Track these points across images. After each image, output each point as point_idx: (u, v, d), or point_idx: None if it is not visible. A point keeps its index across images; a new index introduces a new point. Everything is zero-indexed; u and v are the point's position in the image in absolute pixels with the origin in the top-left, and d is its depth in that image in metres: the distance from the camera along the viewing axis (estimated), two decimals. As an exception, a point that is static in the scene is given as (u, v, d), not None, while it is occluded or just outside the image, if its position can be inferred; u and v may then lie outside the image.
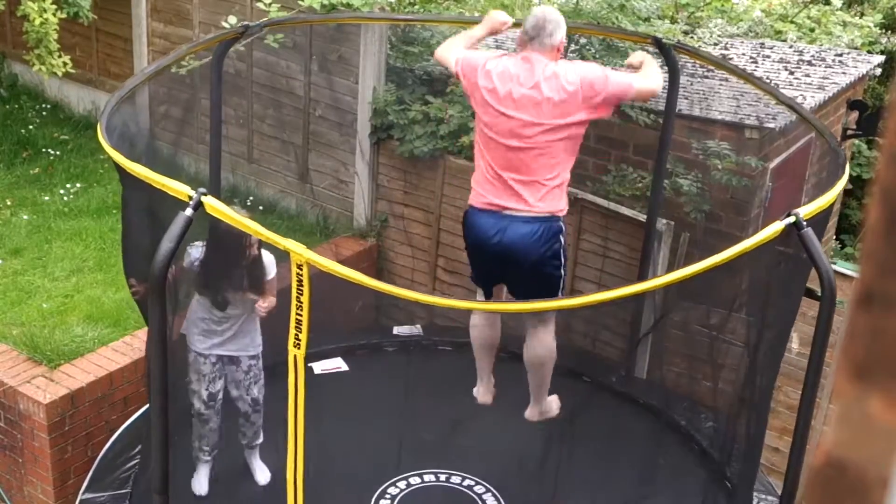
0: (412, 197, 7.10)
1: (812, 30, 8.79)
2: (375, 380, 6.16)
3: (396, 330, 6.80)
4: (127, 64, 8.51)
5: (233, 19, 6.87)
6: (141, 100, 7.85)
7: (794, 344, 5.62)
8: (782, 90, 6.49)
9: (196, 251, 4.71)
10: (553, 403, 5.13)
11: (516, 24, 4.98)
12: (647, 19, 6.66)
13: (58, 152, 8.32)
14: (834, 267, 4.56)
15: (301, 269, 3.56)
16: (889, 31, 9.76)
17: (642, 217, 6.26)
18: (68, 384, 5.58)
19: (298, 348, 3.71)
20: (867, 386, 0.71)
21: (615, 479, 5.45)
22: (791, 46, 8.03)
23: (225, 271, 4.79)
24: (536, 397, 5.10)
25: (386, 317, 7.07)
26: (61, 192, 7.73)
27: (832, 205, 4.36)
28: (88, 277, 6.71)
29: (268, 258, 4.81)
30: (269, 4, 6.71)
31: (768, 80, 6.87)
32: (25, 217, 7.38)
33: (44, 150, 8.33)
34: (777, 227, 3.84)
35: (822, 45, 8.40)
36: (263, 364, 5.03)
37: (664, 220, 6.22)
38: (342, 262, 6.48)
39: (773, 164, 6.54)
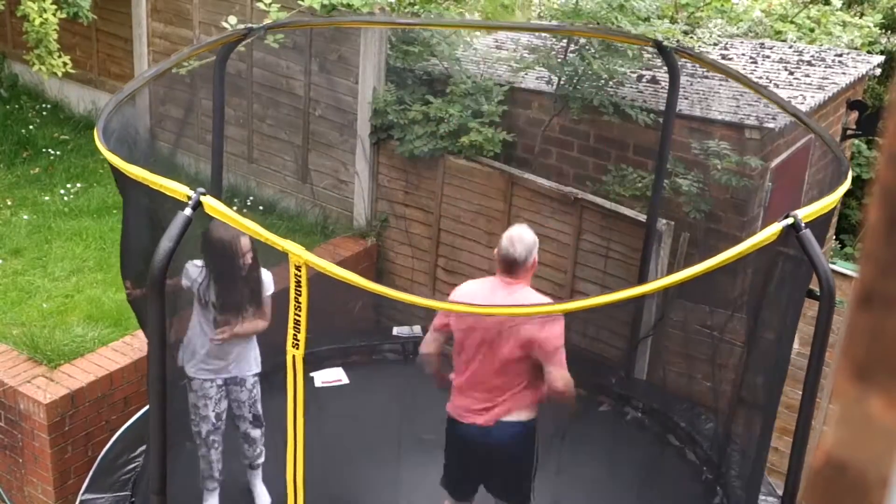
0: (412, 197, 7.10)
1: (812, 30, 8.80)
2: (374, 381, 6.16)
3: (396, 331, 6.79)
4: (127, 64, 8.51)
5: (233, 20, 6.88)
6: (141, 100, 7.85)
7: (795, 344, 5.61)
8: (782, 90, 6.49)
9: (195, 270, 4.66)
10: None
11: None
12: (646, 19, 6.66)
13: (58, 152, 8.32)
14: (834, 267, 4.56)
15: (299, 271, 3.56)
16: (889, 31, 9.76)
17: (642, 217, 6.26)
18: (68, 384, 5.58)
19: (297, 349, 3.71)
20: (867, 386, 0.71)
21: (615, 480, 5.45)
22: (791, 46, 8.04)
23: (225, 284, 4.73)
24: None
25: (385, 318, 7.07)
26: (61, 192, 7.73)
27: (833, 209, 4.35)
28: (88, 277, 6.71)
29: (266, 276, 4.77)
30: (269, 4, 6.71)
31: (768, 81, 6.87)
32: (25, 217, 7.38)
33: (44, 150, 8.33)
34: (775, 228, 3.84)
35: (821, 45, 8.40)
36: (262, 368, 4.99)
37: (664, 220, 6.22)
38: (342, 262, 6.49)
39: (773, 164, 6.54)
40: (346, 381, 6.24)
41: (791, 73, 7.26)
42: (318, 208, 7.49)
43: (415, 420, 5.56)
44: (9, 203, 7.57)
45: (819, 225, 4.18)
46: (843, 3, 9.59)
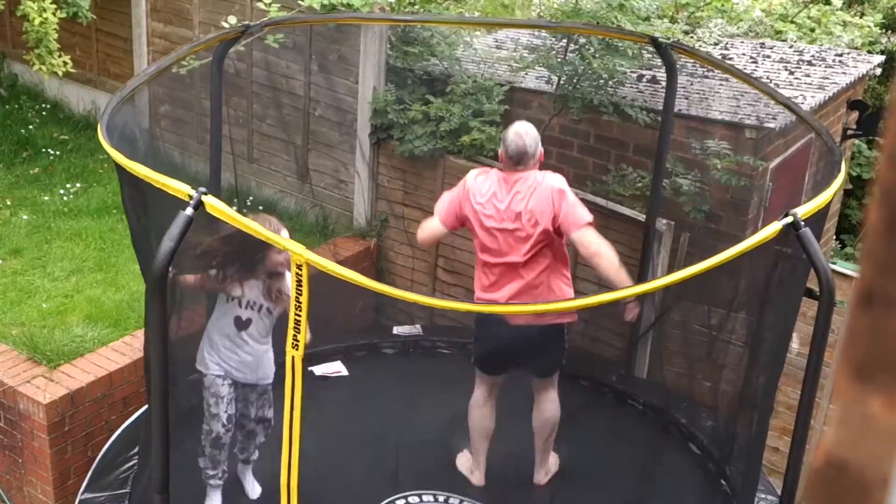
0: (412, 197, 7.10)
1: (812, 30, 8.80)
2: (375, 381, 6.16)
3: (396, 330, 6.79)
4: (127, 64, 8.51)
5: (233, 19, 6.88)
6: (141, 100, 7.85)
7: (795, 344, 5.61)
8: (782, 90, 6.49)
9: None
10: (553, 459, 5.27)
11: None
12: (646, 19, 6.67)
13: (58, 152, 8.32)
14: (834, 267, 4.56)
15: (300, 270, 3.56)
16: (889, 31, 9.77)
17: (642, 217, 6.26)
18: (68, 384, 5.57)
19: (297, 349, 3.71)
20: (867, 386, 0.71)
21: (615, 479, 5.45)
22: (791, 46, 8.04)
23: (243, 259, 4.66)
24: (543, 458, 5.19)
25: (386, 317, 7.07)
26: (61, 192, 7.73)
27: (829, 204, 4.35)
28: (88, 277, 6.71)
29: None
30: (269, 4, 6.72)
31: (768, 80, 6.87)
32: (25, 217, 7.38)
33: (44, 150, 8.33)
34: (775, 227, 3.84)
35: (822, 45, 8.40)
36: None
37: (664, 220, 6.22)
38: (342, 261, 6.49)
39: (772, 164, 6.54)
40: (345, 372, 6.23)
41: (791, 73, 7.26)
42: (318, 208, 7.49)
43: (413, 419, 5.57)
44: (8, 203, 7.57)
45: (816, 221, 4.18)
46: (844, 3, 9.59)
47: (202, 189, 3.68)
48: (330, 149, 7.38)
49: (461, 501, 5.19)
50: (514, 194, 4.64)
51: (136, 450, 5.34)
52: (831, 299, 3.93)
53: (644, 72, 6.85)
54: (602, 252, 4.55)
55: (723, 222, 6.35)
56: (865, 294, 0.71)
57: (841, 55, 7.88)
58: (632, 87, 6.68)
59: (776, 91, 5.65)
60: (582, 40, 6.61)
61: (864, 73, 7.73)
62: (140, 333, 5.66)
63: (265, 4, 6.73)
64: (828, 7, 9.18)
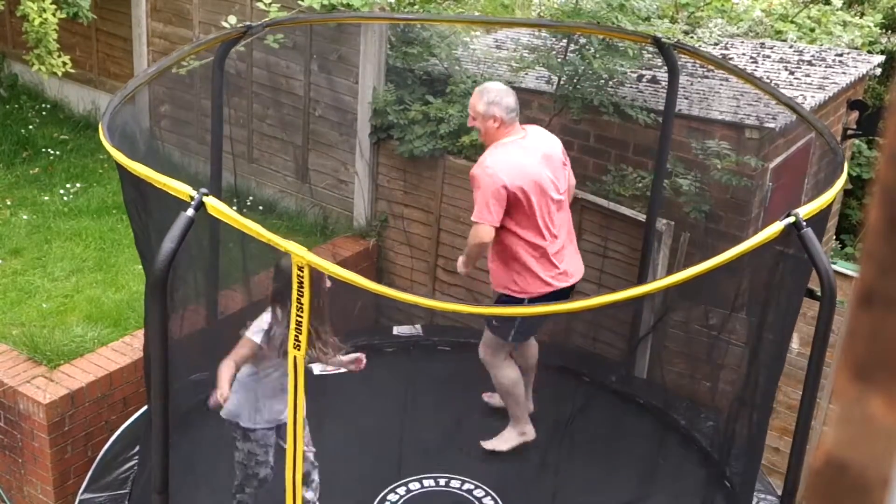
0: (412, 197, 7.10)
1: (812, 30, 8.80)
2: (375, 380, 6.16)
3: (396, 330, 6.79)
4: (127, 64, 8.51)
5: (233, 19, 6.88)
6: (141, 100, 7.85)
7: (794, 344, 5.62)
8: (782, 90, 6.49)
9: (266, 316, 4.42)
10: (511, 433, 5.34)
11: None
12: (647, 19, 6.66)
13: (58, 152, 8.32)
14: (834, 267, 4.56)
15: (301, 272, 3.57)
16: (889, 31, 9.77)
17: (642, 217, 6.26)
18: (68, 384, 5.57)
19: (298, 350, 3.71)
20: (867, 386, 0.71)
21: (615, 479, 5.45)
22: (791, 46, 8.04)
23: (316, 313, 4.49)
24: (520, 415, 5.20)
25: (386, 317, 7.07)
26: (61, 192, 7.73)
27: (831, 204, 4.36)
28: (88, 277, 6.71)
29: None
30: (269, 4, 6.71)
31: (768, 80, 6.87)
32: (25, 217, 7.38)
33: (43, 150, 8.33)
34: (777, 227, 3.84)
35: (822, 45, 8.40)
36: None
37: (664, 220, 6.22)
38: (342, 262, 6.49)
39: (773, 164, 6.53)
40: (344, 370, 6.22)
41: (791, 73, 7.26)
42: (318, 208, 7.49)
43: (416, 418, 5.57)
44: (8, 203, 7.57)
45: (818, 222, 4.19)
46: (844, 3, 9.59)
47: (203, 190, 3.68)
48: (330, 149, 7.38)
49: (460, 502, 5.20)
50: (544, 157, 4.79)
51: (136, 450, 5.35)
52: (833, 300, 3.93)
53: (644, 72, 6.85)
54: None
55: (723, 222, 6.34)
56: (865, 294, 0.71)
57: (841, 55, 7.88)
58: (632, 87, 6.68)
59: (779, 92, 5.66)
60: (582, 40, 6.61)
61: (864, 73, 7.72)
62: (140, 333, 5.66)
63: (265, 5, 6.73)
64: (828, 7, 9.18)
